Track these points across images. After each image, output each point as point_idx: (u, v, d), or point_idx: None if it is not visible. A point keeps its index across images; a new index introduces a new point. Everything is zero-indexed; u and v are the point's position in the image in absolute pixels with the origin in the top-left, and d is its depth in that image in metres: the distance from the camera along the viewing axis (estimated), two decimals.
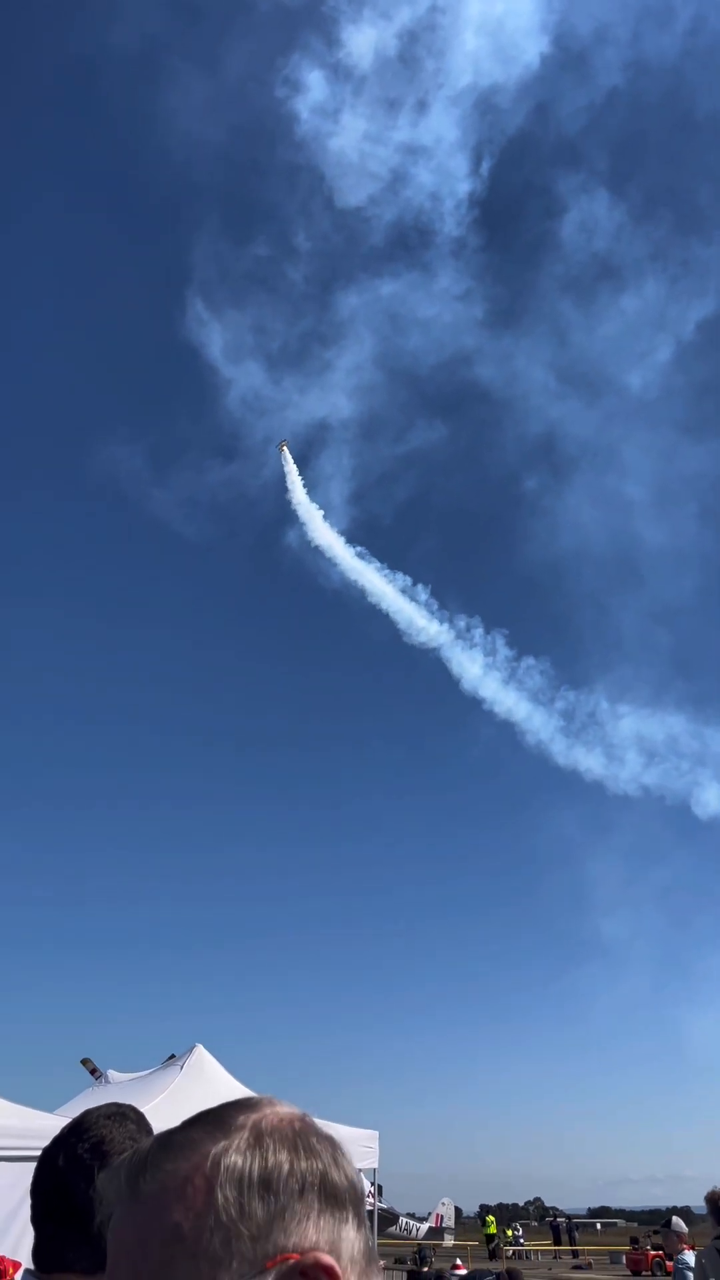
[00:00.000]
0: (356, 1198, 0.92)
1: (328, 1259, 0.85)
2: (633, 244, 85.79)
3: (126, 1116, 1.99)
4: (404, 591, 54.34)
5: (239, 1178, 0.86)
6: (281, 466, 52.39)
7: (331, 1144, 0.95)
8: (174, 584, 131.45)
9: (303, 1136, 0.92)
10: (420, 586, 55.05)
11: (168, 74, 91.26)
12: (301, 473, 52.48)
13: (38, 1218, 1.86)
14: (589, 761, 60.61)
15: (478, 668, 56.78)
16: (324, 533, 52.15)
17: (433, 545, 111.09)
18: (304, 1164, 0.89)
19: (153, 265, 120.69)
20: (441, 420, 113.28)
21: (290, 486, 51.54)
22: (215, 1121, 0.93)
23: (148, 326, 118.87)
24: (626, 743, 60.95)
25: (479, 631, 56.92)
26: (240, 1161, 0.88)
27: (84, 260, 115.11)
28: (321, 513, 51.64)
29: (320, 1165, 0.90)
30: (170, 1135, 0.93)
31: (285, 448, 52.26)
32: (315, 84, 58.73)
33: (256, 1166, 0.87)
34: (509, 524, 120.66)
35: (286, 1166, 0.88)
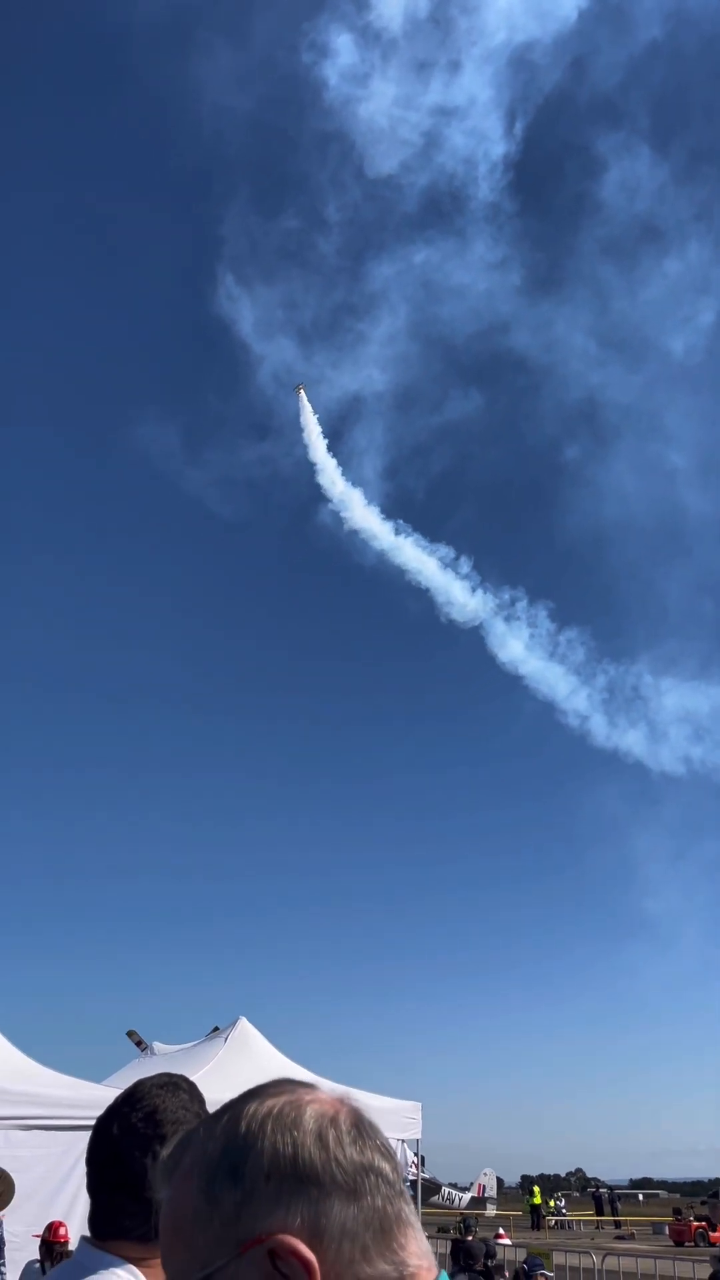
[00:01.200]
0: (345, 1172, 0.92)
1: (291, 1241, 0.87)
2: (676, 204, 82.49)
3: (179, 1086, 2.03)
4: (444, 564, 53.15)
5: (208, 1166, 0.93)
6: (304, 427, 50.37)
7: (323, 1121, 0.96)
8: (207, 562, 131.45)
9: (279, 1119, 0.94)
10: (463, 558, 53.77)
11: (196, 44, 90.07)
12: (334, 448, 50.98)
13: (93, 1186, 1.91)
14: (633, 737, 59.72)
15: (519, 642, 55.52)
16: (353, 502, 50.75)
17: (470, 517, 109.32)
18: (271, 1146, 0.92)
19: (183, 240, 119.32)
20: (478, 390, 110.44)
21: (306, 434, 49.56)
22: (215, 1112, 1.00)
23: (179, 302, 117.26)
24: (671, 717, 60.00)
25: (521, 605, 55.45)
26: (212, 1150, 0.94)
27: (114, 235, 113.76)
28: (359, 491, 50.30)
29: (290, 1146, 0.92)
30: (191, 1128, 1.01)
31: (302, 391, 49.77)
32: (344, 48, 55.93)
33: (225, 1154, 0.93)
34: (548, 495, 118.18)
35: (252, 1151, 0.92)
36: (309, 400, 49.49)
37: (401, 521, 52.16)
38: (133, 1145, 1.88)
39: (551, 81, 66.91)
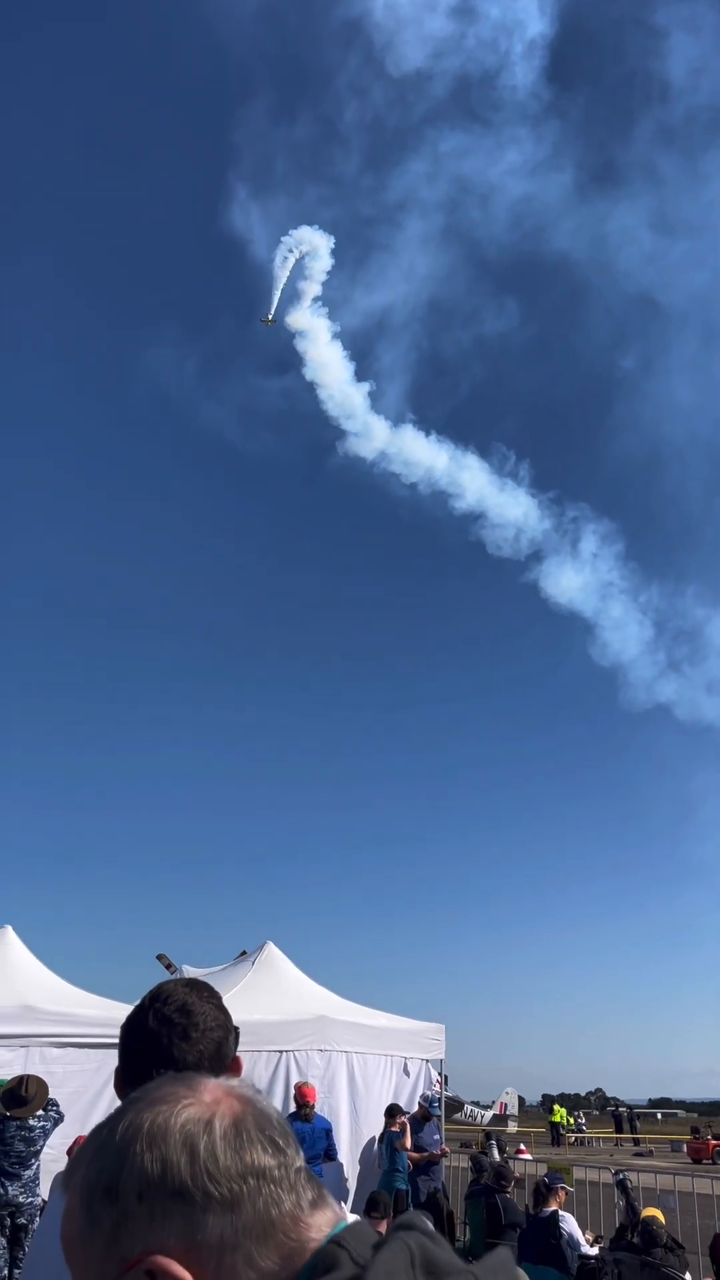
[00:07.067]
0: (218, 1183, 0.91)
1: (162, 1261, 0.88)
2: None
3: (199, 984, 2.15)
4: (497, 477, 50.42)
5: (87, 1189, 0.94)
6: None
7: (195, 1129, 0.94)
8: (228, 496, 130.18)
9: (150, 1134, 0.94)
10: (522, 465, 51.12)
11: None
12: (361, 368, 47.69)
13: (129, 1079, 1.98)
14: (691, 674, 57.76)
15: (570, 572, 53.26)
16: (333, 370, 46.04)
17: (508, 434, 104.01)
18: (141, 1164, 0.92)
19: (192, 151, 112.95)
20: (515, 299, 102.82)
21: (275, 283, 43.86)
22: (98, 1126, 1.01)
23: (188, 216, 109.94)
24: None
25: (580, 528, 53.01)
26: (90, 1170, 0.95)
27: (119, 140, 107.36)
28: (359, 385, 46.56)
29: (158, 1163, 0.91)
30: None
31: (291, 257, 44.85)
32: None
33: (100, 1174, 0.93)
34: (594, 410, 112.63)
35: (124, 1170, 0.92)
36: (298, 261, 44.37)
37: (436, 434, 49.54)
38: (171, 1034, 1.99)
39: None
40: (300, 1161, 0.98)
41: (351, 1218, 0.98)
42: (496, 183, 58.51)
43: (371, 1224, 0.98)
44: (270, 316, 45.12)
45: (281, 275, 43.97)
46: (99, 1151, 0.95)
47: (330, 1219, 0.96)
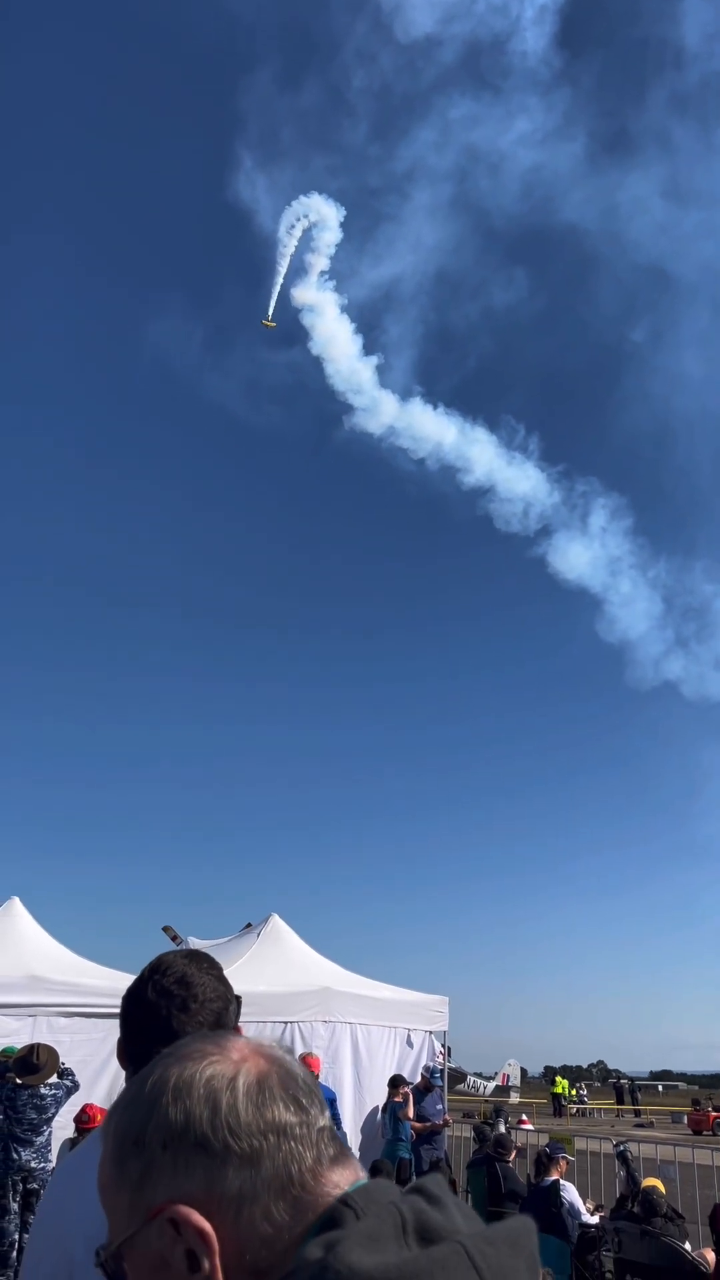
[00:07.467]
0: (238, 1138, 0.94)
1: (184, 1210, 0.91)
2: None
3: (199, 955, 2.16)
4: (502, 456, 50.09)
5: (118, 1138, 0.99)
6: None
7: (219, 1084, 0.97)
8: (232, 469, 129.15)
9: (176, 1087, 0.98)
10: (531, 438, 50.68)
11: None
12: (368, 341, 47.20)
13: (131, 1051, 2.01)
14: (699, 650, 56.92)
15: (578, 547, 53.08)
16: (339, 344, 45.22)
17: (517, 406, 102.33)
18: (167, 1116, 0.96)
19: (198, 119, 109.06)
20: (525, 270, 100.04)
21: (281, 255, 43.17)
22: (133, 1078, 1.04)
23: (193, 186, 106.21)
24: None
25: (585, 505, 52.66)
26: (119, 1124, 1.00)
27: (125, 112, 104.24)
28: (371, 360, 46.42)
29: (181, 1115, 0.95)
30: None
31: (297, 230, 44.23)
32: None
33: (129, 1126, 0.98)
34: (605, 383, 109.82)
35: (151, 1121, 0.96)
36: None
37: (444, 408, 48.99)
38: (170, 1005, 2.00)
39: None
40: (324, 1120, 1.01)
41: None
42: (506, 151, 57.08)
43: None
44: (270, 319, 44.70)
45: (287, 251, 43.22)
46: (130, 1104, 1.00)
47: (350, 1177, 0.98)
